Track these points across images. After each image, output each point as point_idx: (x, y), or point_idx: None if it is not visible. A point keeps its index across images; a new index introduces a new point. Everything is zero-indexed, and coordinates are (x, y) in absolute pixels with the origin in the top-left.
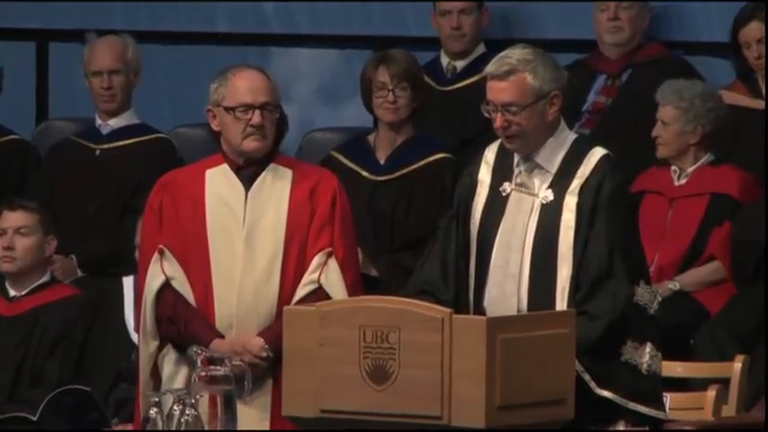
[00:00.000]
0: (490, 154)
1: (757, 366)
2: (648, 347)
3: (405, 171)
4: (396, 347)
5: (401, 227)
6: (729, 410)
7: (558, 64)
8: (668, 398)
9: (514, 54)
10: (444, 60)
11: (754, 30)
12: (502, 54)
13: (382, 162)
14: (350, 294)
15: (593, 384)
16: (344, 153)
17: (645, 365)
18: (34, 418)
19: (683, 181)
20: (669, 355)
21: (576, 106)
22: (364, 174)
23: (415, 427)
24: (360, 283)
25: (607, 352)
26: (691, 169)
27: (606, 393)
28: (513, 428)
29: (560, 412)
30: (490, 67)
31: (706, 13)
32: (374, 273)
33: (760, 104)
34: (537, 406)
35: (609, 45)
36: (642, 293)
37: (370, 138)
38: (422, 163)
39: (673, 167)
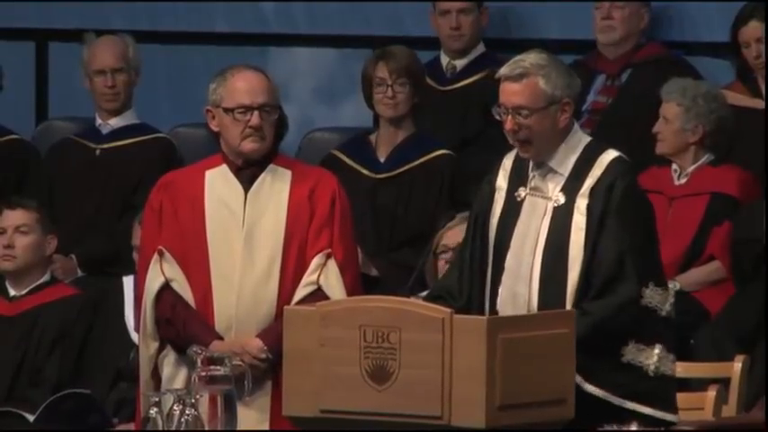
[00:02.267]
0: (508, 162)
1: (757, 366)
2: (658, 349)
3: (405, 168)
4: (396, 347)
5: (401, 223)
6: (729, 410)
7: (572, 72)
8: None
9: (529, 58)
10: (444, 60)
11: (753, 29)
12: (517, 57)
13: (383, 160)
14: (349, 295)
15: (579, 379)
16: (345, 152)
17: (652, 367)
18: (31, 419)
19: (683, 180)
20: None
21: (576, 106)
22: (365, 172)
23: (415, 427)
24: (360, 284)
25: (602, 350)
26: (691, 169)
27: (593, 389)
28: (513, 428)
29: (560, 412)
30: (504, 69)
31: (706, 12)
32: (374, 272)
33: (760, 104)
34: (537, 406)
35: (602, 44)
36: (651, 295)
37: (372, 137)
38: (422, 160)
39: (673, 167)
